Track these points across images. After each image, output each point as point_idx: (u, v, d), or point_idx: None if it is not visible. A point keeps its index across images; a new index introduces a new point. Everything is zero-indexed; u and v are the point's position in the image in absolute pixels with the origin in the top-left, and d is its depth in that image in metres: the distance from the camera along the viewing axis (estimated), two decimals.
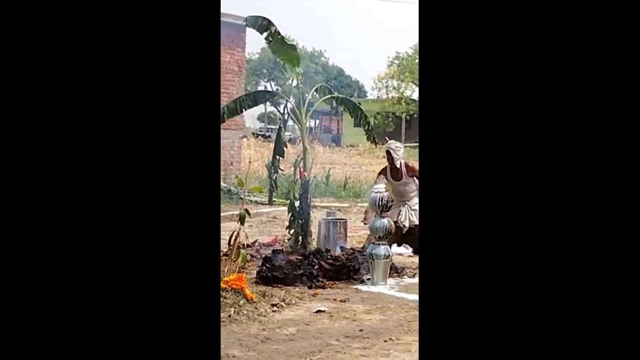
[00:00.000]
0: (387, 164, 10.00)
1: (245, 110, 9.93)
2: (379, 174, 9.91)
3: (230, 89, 16.82)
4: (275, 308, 6.49)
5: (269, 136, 39.76)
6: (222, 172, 17.02)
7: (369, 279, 7.96)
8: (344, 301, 7.00)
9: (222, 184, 16.16)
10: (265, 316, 6.22)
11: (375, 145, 10.73)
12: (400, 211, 9.74)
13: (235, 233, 7.10)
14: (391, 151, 9.78)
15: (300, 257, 7.98)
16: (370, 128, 10.01)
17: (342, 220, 9.68)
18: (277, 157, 9.72)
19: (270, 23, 8.92)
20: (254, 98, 9.84)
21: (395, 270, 8.39)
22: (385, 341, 5.57)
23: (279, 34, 8.95)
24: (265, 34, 8.95)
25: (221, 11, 10.83)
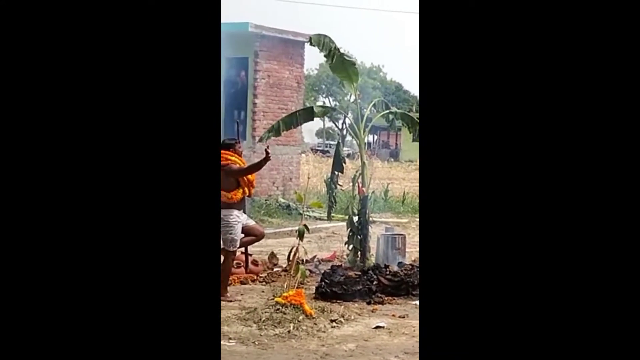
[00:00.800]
0: None
1: (301, 124, 9.99)
2: None
3: (289, 104, 16.92)
4: (334, 324, 6.49)
5: (328, 152, 39.87)
6: (281, 188, 17.11)
7: None
8: (403, 317, 6.97)
9: (282, 200, 16.25)
10: (324, 332, 6.23)
11: None
12: None
13: (294, 249, 7.15)
14: None
15: (359, 273, 7.97)
16: None
17: (400, 236, 9.64)
18: (336, 172, 9.75)
19: (331, 41, 8.99)
20: (311, 112, 9.91)
21: None
22: None
23: (339, 50, 9.02)
24: (326, 52, 9.02)
25: (282, 28, 10.82)
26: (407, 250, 9.53)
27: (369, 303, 7.46)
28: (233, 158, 7.47)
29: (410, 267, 8.49)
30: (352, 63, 9.27)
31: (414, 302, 7.67)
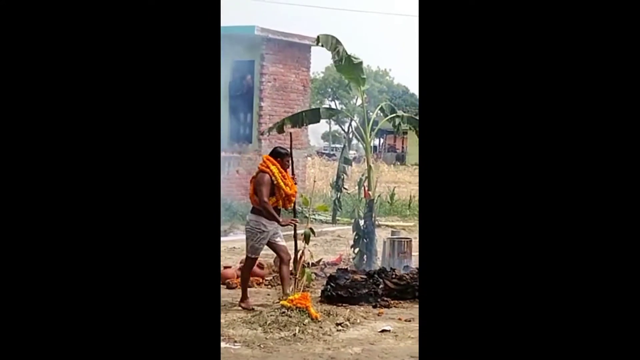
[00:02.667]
0: None
1: (307, 124, 9.97)
2: None
3: (295, 107, 16.90)
4: (340, 327, 6.47)
5: (334, 155, 39.86)
6: None
7: None
8: (409, 321, 6.95)
9: None
10: (330, 335, 6.21)
11: None
12: None
13: (300, 252, 7.13)
14: None
15: (365, 276, 7.95)
16: None
17: (406, 240, 9.62)
18: (342, 176, 9.73)
19: (338, 42, 8.97)
20: (317, 114, 9.90)
21: None
22: None
23: (347, 52, 9.00)
24: (333, 53, 8.99)
25: (288, 31, 10.83)
26: (413, 254, 9.51)
27: (374, 307, 7.44)
28: (273, 168, 7.30)
29: (417, 270, 8.46)
30: (359, 64, 9.25)
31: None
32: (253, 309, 6.99)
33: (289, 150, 7.52)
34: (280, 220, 7.32)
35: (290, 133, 8.68)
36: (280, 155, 7.41)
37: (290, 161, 7.52)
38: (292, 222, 7.49)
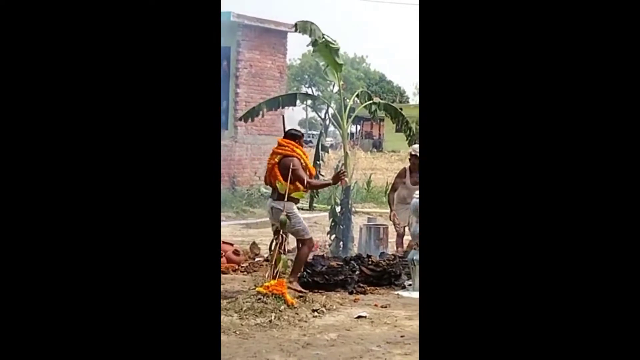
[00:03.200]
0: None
1: (283, 108, 9.95)
2: (398, 176, 9.24)
3: (271, 94, 16.83)
4: (316, 313, 6.48)
5: (310, 142, 39.83)
6: (263, 178, 17.06)
7: (410, 285, 7.91)
8: (385, 307, 6.97)
9: (264, 190, 16.20)
10: (306, 321, 6.21)
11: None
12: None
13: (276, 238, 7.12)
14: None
15: (341, 263, 7.96)
16: (411, 133, 9.95)
17: (383, 226, 9.64)
18: (318, 162, 9.72)
19: (316, 28, 8.93)
20: (293, 98, 9.87)
21: None
22: None
23: (324, 38, 8.96)
24: (311, 38, 8.95)
25: (264, 17, 10.77)
26: (389, 240, 9.53)
27: (351, 293, 7.45)
28: (298, 151, 7.34)
29: (393, 257, 8.49)
30: (336, 50, 9.21)
31: (396, 292, 7.67)
32: (301, 291, 7.08)
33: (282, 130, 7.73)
34: (330, 180, 7.73)
35: (283, 116, 8.71)
36: (297, 137, 7.49)
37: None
38: (342, 176, 7.60)
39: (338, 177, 7.56)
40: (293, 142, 7.37)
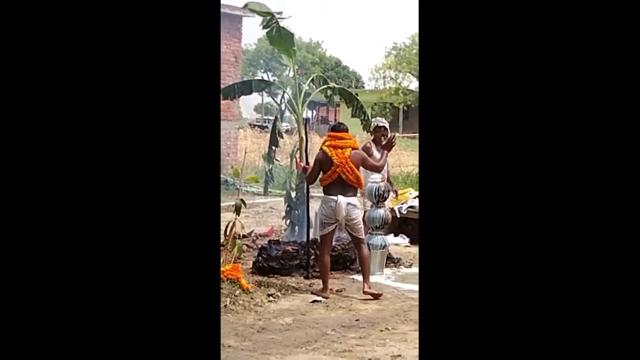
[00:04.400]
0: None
1: (239, 97, 9.88)
2: (365, 147, 8.57)
3: (227, 79, 16.75)
4: (271, 298, 6.48)
5: (266, 127, 39.70)
6: None
7: None
8: (340, 291, 7.00)
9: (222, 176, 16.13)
10: (261, 306, 6.22)
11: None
12: None
13: (231, 223, 7.09)
14: (386, 125, 8.77)
15: (297, 248, 7.97)
16: (367, 119, 9.97)
17: None
18: (273, 147, 9.70)
19: (269, 12, 8.88)
20: (249, 86, 9.80)
21: (392, 261, 8.39)
22: (381, 331, 5.57)
23: (278, 23, 8.92)
24: (263, 19, 8.90)
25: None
26: None
27: (306, 277, 7.47)
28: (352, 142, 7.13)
29: (348, 241, 8.51)
30: (290, 35, 9.18)
31: (351, 277, 7.71)
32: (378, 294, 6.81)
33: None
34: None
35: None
36: (346, 130, 7.19)
37: None
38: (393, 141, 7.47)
39: (390, 143, 7.46)
40: (348, 134, 7.15)
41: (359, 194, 7.64)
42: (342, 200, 6.84)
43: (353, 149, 6.99)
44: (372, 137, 8.55)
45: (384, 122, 8.66)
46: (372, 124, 8.69)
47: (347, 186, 6.92)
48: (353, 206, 6.97)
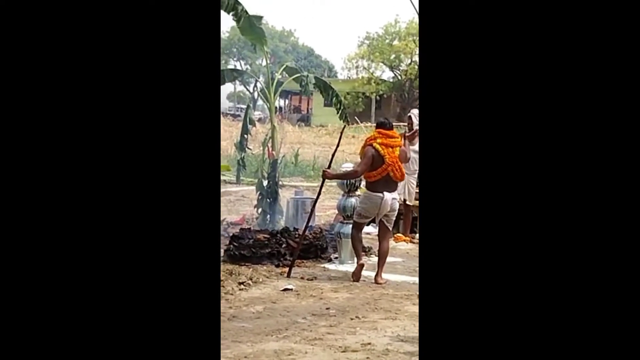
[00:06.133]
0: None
1: None
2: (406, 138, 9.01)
3: None
4: (242, 286, 6.49)
5: (239, 115, 39.56)
6: None
7: (336, 258, 7.99)
8: (312, 279, 7.03)
9: None
10: (232, 294, 6.23)
11: (347, 125, 10.73)
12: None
13: None
14: (413, 117, 9.38)
15: (268, 236, 7.98)
16: (342, 108, 9.99)
17: (310, 199, 9.68)
18: (245, 135, 9.69)
19: (237, 2, 8.83)
20: (222, 76, 9.78)
21: (363, 249, 8.43)
22: (351, 319, 5.60)
23: (247, 12, 8.88)
24: (232, 13, 8.85)
25: None
26: (316, 214, 9.59)
27: (277, 266, 7.49)
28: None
29: (320, 230, 8.55)
30: (260, 24, 9.16)
31: (322, 265, 7.74)
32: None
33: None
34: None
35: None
36: (392, 127, 7.39)
37: None
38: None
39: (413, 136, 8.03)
40: (395, 132, 7.38)
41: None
42: (388, 196, 7.10)
43: (400, 147, 7.24)
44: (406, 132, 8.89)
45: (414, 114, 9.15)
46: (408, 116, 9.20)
47: (392, 183, 7.19)
48: (395, 200, 7.26)
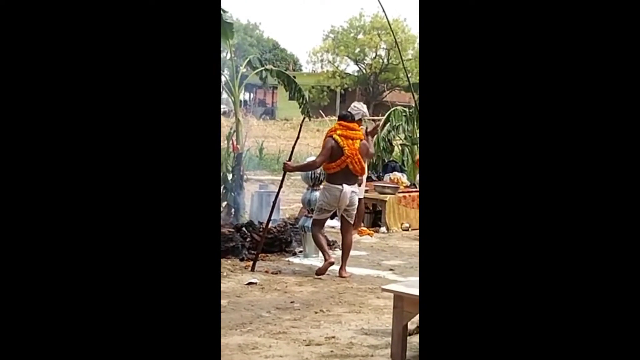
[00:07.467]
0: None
1: None
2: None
3: None
4: None
5: None
6: None
7: (301, 252, 8.01)
8: (276, 273, 7.04)
9: None
10: None
11: (310, 119, 10.72)
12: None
13: None
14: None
15: (233, 230, 7.97)
16: (304, 101, 9.99)
17: (274, 193, 9.67)
18: None
19: None
20: None
21: (328, 243, 8.44)
22: (316, 313, 5.62)
23: None
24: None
25: None
26: (281, 207, 9.59)
27: (242, 260, 7.48)
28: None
29: (284, 224, 8.56)
30: (225, 19, 9.13)
31: (286, 259, 7.75)
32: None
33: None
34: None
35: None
36: (354, 120, 7.39)
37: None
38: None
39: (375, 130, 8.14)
40: (356, 125, 7.40)
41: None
42: (347, 189, 7.12)
43: (360, 140, 7.25)
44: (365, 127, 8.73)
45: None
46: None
47: (352, 176, 7.21)
48: (355, 194, 7.29)
